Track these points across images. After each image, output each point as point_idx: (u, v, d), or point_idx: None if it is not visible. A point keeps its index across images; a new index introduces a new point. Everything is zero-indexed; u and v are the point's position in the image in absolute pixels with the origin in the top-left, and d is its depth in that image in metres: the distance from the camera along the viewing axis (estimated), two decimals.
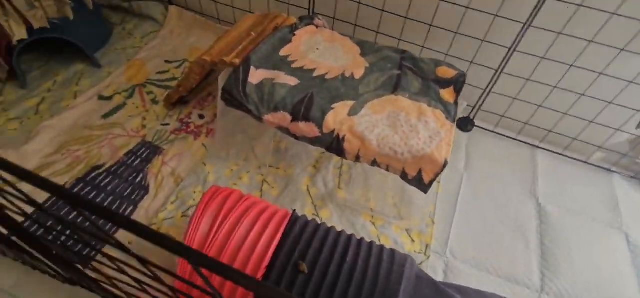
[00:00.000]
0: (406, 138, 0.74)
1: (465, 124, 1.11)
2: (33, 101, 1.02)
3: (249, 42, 0.88)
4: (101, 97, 1.04)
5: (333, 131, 0.76)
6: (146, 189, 0.83)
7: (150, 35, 1.28)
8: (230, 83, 0.79)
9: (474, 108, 1.10)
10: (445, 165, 0.73)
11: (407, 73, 0.89)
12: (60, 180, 0.83)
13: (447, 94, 0.86)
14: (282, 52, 0.90)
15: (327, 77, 0.86)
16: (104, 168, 0.87)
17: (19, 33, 0.94)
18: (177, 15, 1.31)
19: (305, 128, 0.77)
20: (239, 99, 0.79)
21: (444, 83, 0.88)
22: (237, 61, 0.82)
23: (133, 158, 0.89)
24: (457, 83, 0.87)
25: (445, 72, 0.90)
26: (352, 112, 0.79)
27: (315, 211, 0.84)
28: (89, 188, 0.82)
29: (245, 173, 0.89)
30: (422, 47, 1.05)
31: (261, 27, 0.94)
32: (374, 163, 0.77)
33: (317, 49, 0.93)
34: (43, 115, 0.98)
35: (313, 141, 0.79)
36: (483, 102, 1.07)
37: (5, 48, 0.98)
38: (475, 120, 1.10)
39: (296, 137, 0.81)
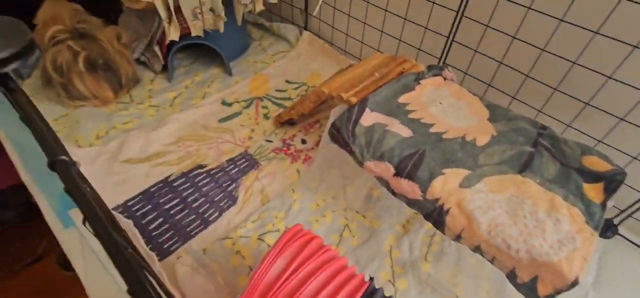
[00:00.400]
0: (527, 233, 0.60)
1: (604, 228, 0.86)
2: (172, 94, 1.15)
3: (370, 82, 0.84)
4: (224, 102, 1.13)
5: (437, 200, 0.66)
6: (234, 200, 0.85)
7: (280, 54, 1.36)
8: (342, 120, 0.76)
9: (622, 211, 0.85)
10: (574, 284, 0.57)
11: (543, 153, 0.74)
12: (169, 170, 0.90)
13: (592, 191, 0.68)
14: (402, 99, 0.84)
15: (444, 136, 0.76)
16: (205, 169, 0.91)
17: (173, 35, 1.08)
18: (308, 40, 1.36)
19: (407, 187, 0.69)
20: (345, 137, 0.75)
21: (591, 176, 0.70)
22: (354, 100, 0.78)
23: (232, 166, 0.92)
24: (611, 181, 0.68)
25: (595, 163, 0.71)
26: (465, 183, 0.67)
27: (392, 278, 0.74)
28: (188, 183, 0.87)
29: (330, 212, 0.84)
30: (568, 126, 0.86)
31: (386, 68, 0.90)
32: (477, 249, 0.64)
33: (440, 103, 0.84)
34: (175, 108, 1.10)
35: (411, 203, 0.70)
36: (638, 209, 0.83)
37: (166, 46, 1.14)
38: (619, 227, 0.86)
39: (394, 193, 0.73)
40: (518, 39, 0.85)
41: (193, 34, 1.04)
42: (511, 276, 0.63)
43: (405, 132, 0.76)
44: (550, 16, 0.78)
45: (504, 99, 0.95)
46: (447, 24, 0.95)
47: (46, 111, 1.04)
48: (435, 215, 0.67)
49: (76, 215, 0.81)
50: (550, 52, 0.82)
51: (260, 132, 1.04)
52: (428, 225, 0.84)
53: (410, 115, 0.81)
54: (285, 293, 0.53)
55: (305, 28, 1.37)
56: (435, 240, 0.81)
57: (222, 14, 1.03)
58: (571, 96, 0.83)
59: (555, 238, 0.59)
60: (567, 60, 0.80)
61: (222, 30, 1.08)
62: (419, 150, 0.72)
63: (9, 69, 0.62)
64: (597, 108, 0.80)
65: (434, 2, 0.96)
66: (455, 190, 0.66)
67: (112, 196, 0.84)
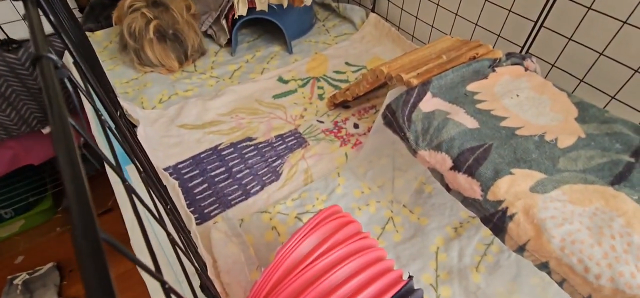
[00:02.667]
0: (614, 257, 0.49)
1: None
2: (232, 67, 1.17)
3: (436, 65, 0.76)
4: (280, 79, 1.12)
5: (500, 202, 0.57)
6: (278, 176, 0.83)
7: (343, 36, 1.31)
8: (398, 103, 0.70)
9: None
10: None
11: None
12: (219, 139, 0.91)
13: None
14: (471, 87, 0.74)
15: (518, 132, 0.66)
16: (254, 142, 0.91)
17: (242, 10, 1.09)
18: (374, 23, 1.29)
19: (465, 183, 0.60)
20: (400, 122, 0.68)
21: None
22: (415, 82, 0.71)
23: (280, 142, 0.91)
24: None
25: None
26: (539, 188, 0.57)
27: (436, 283, 0.66)
28: (236, 154, 0.87)
29: (375, 202, 0.78)
30: None
31: (456, 52, 0.80)
32: (543, 267, 0.54)
33: (517, 95, 0.73)
34: (234, 80, 1.11)
35: (468, 203, 0.62)
36: None
37: (231, 20, 1.16)
38: None
39: (448, 189, 0.65)
40: (630, 24, 0.70)
41: (258, 8, 1.04)
42: None
43: (471, 123, 0.67)
44: None
45: (601, 98, 0.80)
46: (538, 6, 0.82)
47: (120, 73, 1.12)
48: (496, 219, 0.57)
49: (133, 171, 0.85)
50: None
51: (313, 111, 1.01)
52: (485, 232, 0.74)
53: (479, 106, 0.71)
54: (311, 274, 0.49)
55: (373, 10, 1.31)
56: (491, 249, 0.71)
57: None
58: None
59: None
60: None
61: (285, 5, 1.06)
62: (484, 144, 0.63)
63: None
64: None
65: None
66: (524, 194, 0.56)
67: (165, 157, 0.87)
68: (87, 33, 1.25)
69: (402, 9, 1.20)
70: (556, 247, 0.51)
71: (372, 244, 0.54)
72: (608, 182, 0.58)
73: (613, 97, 0.77)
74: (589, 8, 0.75)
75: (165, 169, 0.85)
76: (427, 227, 0.73)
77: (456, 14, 1.02)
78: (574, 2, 0.77)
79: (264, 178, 0.82)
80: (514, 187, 0.57)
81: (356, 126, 0.96)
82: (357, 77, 1.12)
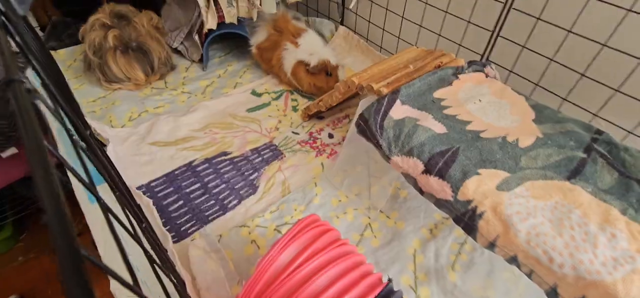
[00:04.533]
0: (574, 247, 0.52)
1: None
2: (205, 82, 1.16)
3: (403, 74, 0.79)
4: (253, 92, 1.12)
5: (470, 201, 0.59)
6: (255, 189, 0.82)
7: None
8: (370, 112, 0.71)
9: None
10: None
11: (598, 160, 0.65)
12: (193, 155, 0.89)
13: None
14: (437, 94, 0.77)
15: (482, 134, 0.69)
16: (229, 156, 0.90)
17: (211, 23, 1.08)
18: (343, 35, 1.32)
19: (436, 186, 0.63)
20: (373, 129, 0.70)
21: None
22: (385, 90, 0.73)
23: (256, 155, 0.90)
24: None
25: None
26: (504, 186, 0.60)
27: (415, 284, 0.67)
28: (211, 169, 0.86)
29: (352, 209, 0.79)
30: (630, 132, 0.76)
31: (422, 62, 0.84)
32: (513, 260, 0.57)
33: (479, 100, 0.77)
34: (206, 95, 1.10)
35: (440, 204, 0.64)
36: None
37: (205, 35, 1.15)
38: None
39: (421, 192, 0.67)
40: (574, 33, 0.76)
41: (226, 21, 1.04)
42: (551, 294, 0.54)
43: (439, 128, 0.70)
44: (616, 5, 0.69)
45: (554, 101, 0.85)
46: (493, 17, 0.88)
47: (86, 92, 1.08)
48: (467, 218, 0.60)
49: (104, 191, 0.82)
50: (612, 48, 0.72)
51: (288, 123, 1.01)
52: (458, 232, 0.76)
53: (446, 111, 0.75)
54: (292, 283, 0.49)
55: (342, 23, 1.34)
56: (465, 248, 0.74)
57: (257, 2, 1.01)
58: (636, 98, 0.72)
59: (609, 255, 0.50)
60: (633, 57, 0.70)
61: (255, 18, 1.07)
62: (452, 147, 0.66)
63: None
64: None
65: None
66: (491, 192, 0.59)
67: (137, 176, 0.84)
68: (51, 52, 1.20)
69: (369, 21, 1.23)
70: (523, 241, 0.54)
71: (351, 250, 0.55)
72: (565, 177, 0.62)
73: (564, 99, 0.83)
74: (538, 19, 0.81)
75: (138, 188, 0.82)
76: (404, 231, 0.75)
77: (420, 26, 1.06)
78: (525, 13, 0.82)
79: (241, 192, 0.81)
80: (481, 187, 0.60)
81: (331, 136, 0.98)
82: (330, 88, 1.14)
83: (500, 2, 0.84)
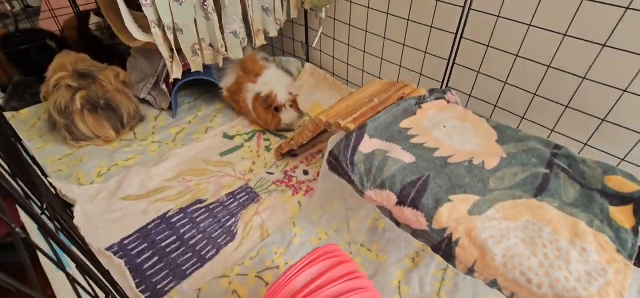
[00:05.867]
0: (549, 265, 0.51)
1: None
2: (174, 129, 1.12)
3: (369, 108, 0.79)
4: (225, 135, 1.09)
5: (444, 229, 0.58)
6: (233, 236, 0.78)
7: None
8: (339, 148, 0.70)
9: None
10: None
11: (560, 174, 0.66)
12: (167, 206, 0.85)
13: (620, 215, 0.59)
14: (403, 124, 0.78)
15: (449, 160, 0.69)
16: (204, 203, 0.86)
17: (176, 73, 1.05)
18: (310, 71, 1.33)
19: (411, 216, 0.61)
20: (344, 166, 0.69)
21: (617, 198, 0.61)
22: (352, 126, 0.73)
23: (231, 200, 0.87)
24: None
25: (620, 184, 0.63)
26: (475, 210, 0.60)
27: None
28: (186, 219, 0.82)
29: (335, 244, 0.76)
30: (585, 144, 0.78)
31: (386, 94, 0.84)
32: (493, 284, 0.56)
33: (444, 126, 0.78)
34: (177, 143, 1.06)
35: (417, 234, 0.63)
36: None
37: (172, 84, 1.12)
38: None
39: (397, 224, 0.65)
40: (521, 57, 0.79)
41: (192, 69, 1.02)
42: None
43: (408, 157, 0.70)
44: (553, 31, 0.73)
45: (513, 120, 0.88)
46: (447, 47, 0.90)
47: (52, 151, 1.01)
48: (444, 246, 0.59)
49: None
50: (556, 68, 0.75)
51: (262, 164, 0.99)
52: (439, 258, 0.75)
53: (413, 140, 0.75)
54: None
55: (307, 60, 1.35)
56: (448, 274, 0.72)
57: (222, 49, 1.00)
58: (585, 113, 0.75)
59: (583, 269, 0.50)
60: (575, 75, 0.74)
61: (221, 64, 1.05)
62: (422, 176, 0.65)
63: None
64: (615, 124, 0.72)
65: (431, 26, 0.91)
66: (464, 218, 0.58)
67: (108, 234, 0.79)
68: (12, 112, 1.13)
69: (333, 57, 1.25)
70: (500, 264, 0.53)
71: (367, 285, 0.53)
72: (532, 194, 0.62)
73: (523, 117, 0.86)
74: (487, 45, 0.84)
75: (109, 248, 0.76)
76: (386, 263, 0.73)
77: (381, 59, 1.08)
78: (475, 41, 0.85)
79: (218, 241, 0.77)
80: (454, 213, 0.59)
81: (306, 172, 0.96)
82: (300, 124, 1.13)
83: (451, 32, 0.87)
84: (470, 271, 0.57)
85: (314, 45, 1.18)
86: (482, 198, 0.62)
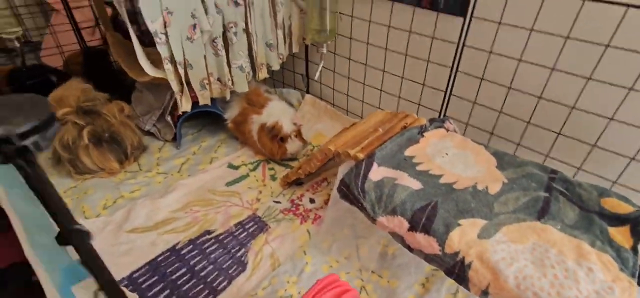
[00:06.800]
0: (559, 285, 0.53)
1: None
2: (180, 160, 1.12)
3: (375, 138, 0.82)
4: (230, 166, 1.09)
5: (457, 253, 0.60)
6: (244, 266, 0.78)
7: None
8: (350, 177, 0.72)
9: None
10: None
11: (559, 198, 0.69)
12: (176, 238, 0.84)
13: (619, 235, 0.62)
14: (408, 152, 0.80)
15: (455, 186, 0.72)
16: (213, 234, 0.86)
17: (186, 106, 1.06)
18: (310, 102, 1.36)
19: (423, 241, 0.63)
20: (355, 193, 0.70)
21: (615, 219, 0.64)
22: (361, 155, 0.75)
23: (240, 230, 0.87)
24: (638, 223, 0.62)
25: (616, 206, 0.66)
26: (484, 234, 0.61)
27: None
28: (197, 251, 0.81)
29: (344, 273, 0.77)
30: (579, 169, 0.82)
31: (389, 124, 0.87)
32: None
33: (446, 154, 0.81)
34: (183, 174, 1.06)
35: (429, 259, 0.64)
36: None
37: (177, 116, 1.13)
38: None
39: (410, 249, 0.67)
40: (514, 89, 0.84)
41: (201, 102, 1.04)
42: None
43: (415, 184, 0.72)
44: (542, 66, 0.78)
45: (509, 147, 0.91)
46: (444, 79, 0.95)
47: (56, 184, 0.99)
48: (457, 270, 0.60)
49: (80, 290, 0.74)
50: (547, 99, 0.80)
51: (268, 193, 0.99)
52: (449, 282, 0.76)
53: (418, 168, 0.77)
54: None
55: (308, 92, 1.38)
56: (458, 297, 0.73)
57: (229, 83, 1.03)
58: (576, 139, 0.80)
59: (591, 288, 0.52)
60: (565, 105, 0.78)
61: (228, 97, 1.07)
62: (431, 202, 0.67)
63: (29, 142, 0.60)
64: (605, 149, 0.77)
65: (428, 61, 0.96)
66: (474, 242, 0.60)
67: (117, 268, 0.77)
68: None
69: (333, 89, 1.28)
70: (513, 286, 0.54)
71: None
72: (535, 217, 0.65)
73: (518, 144, 0.89)
74: (482, 78, 0.88)
75: (119, 282, 0.75)
76: (398, 289, 0.73)
77: (381, 90, 1.12)
78: (470, 74, 0.90)
79: (230, 272, 0.77)
80: (464, 237, 0.61)
81: (312, 201, 0.97)
82: (304, 154, 1.14)
83: (447, 66, 0.92)
84: (484, 294, 0.58)
85: (316, 78, 1.22)
86: (489, 223, 0.64)
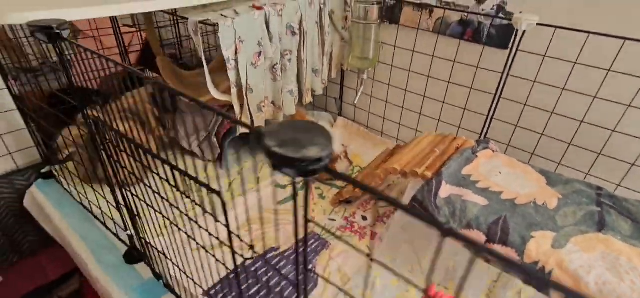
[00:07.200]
0: (638, 289, 0.59)
1: None
2: (227, 180, 1.14)
3: (436, 157, 0.87)
4: (278, 185, 1.12)
5: (537, 262, 0.65)
6: (315, 281, 0.80)
7: None
8: (422, 193, 0.77)
9: None
10: None
11: (610, 212, 0.76)
12: (244, 255, 0.86)
13: None
14: (465, 171, 0.86)
15: (516, 202, 0.78)
16: (278, 251, 0.88)
17: (244, 128, 1.09)
18: (342, 125, 1.42)
19: (503, 253, 0.68)
20: (430, 209, 0.75)
21: None
22: (429, 174, 0.80)
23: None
24: None
25: None
26: (556, 244, 0.67)
27: None
28: (266, 268, 0.83)
29: (412, 287, 0.80)
30: (618, 185, 0.90)
31: (443, 145, 0.93)
32: None
33: (500, 172, 0.87)
34: (233, 193, 1.08)
35: (508, 268, 0.69)
36: None
37: (222, 136, 1.16)
38: None
39: (487, 261, 0.71)
40: (557, 114, 0.92)
41: (256, 124, 1.07)
42: None
43: (481, 201, 0.77)
44: (584, 94, 0.86)
45: (549, 165, 0.99)
46: (486, 104, 1.03)
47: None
48: (537, 278, 0.65)
49: None
50: (589, 123, 0.89)
51: (320, 211, 1.03)
52: (512, 292, 0.81)
53: (478, 185, 0.83)
54: None
55: (340, 114, 1.44)
56: None
57: (282, 105, 1.07)
58: (616, 159, 0.88)
59: None
60: (606, 129, 0.87)
61: (281, 119, 1.11)
62: (500, 216, 0.73)
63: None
64: None
65: (471, 88, 1.04)
66: (551, 252, 0.66)
67: (190, 284, 0.78)
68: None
69: (369, 112, 1.34)
70: (595, 292, 0.60)
71: None
72: (596, 229, 0.71)
73: (559, 163, 0.97)
74: (525, 104, 0.97)
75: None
76: None
77: (420, 114, 1.19)
78: (512, 100, 0.98)
79: (304, 286, 0.79)
80: (541, 248, 0.67)
81: (365, 218, 1.00)
82: (356, 175, 1.19)
83: (490, 93, 1.00)
84: None
85: (355, 102, 1.27)
86: (558, 234, 0.70)
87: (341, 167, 1.10)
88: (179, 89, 1.06)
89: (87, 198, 0.95)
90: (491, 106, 1.00)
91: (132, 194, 0.70)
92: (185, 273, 0.74)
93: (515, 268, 0.67)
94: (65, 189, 1.06)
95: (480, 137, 1.09)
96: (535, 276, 0.65)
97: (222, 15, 0.88)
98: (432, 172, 0.82)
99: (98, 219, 0.98)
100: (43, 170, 1.12)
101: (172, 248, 0.88)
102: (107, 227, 0.95)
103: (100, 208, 0.92)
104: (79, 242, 0.92)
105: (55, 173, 1.09)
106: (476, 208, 0.74)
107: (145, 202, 0.68)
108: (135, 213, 0.75)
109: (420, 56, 1.11)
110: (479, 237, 0.71)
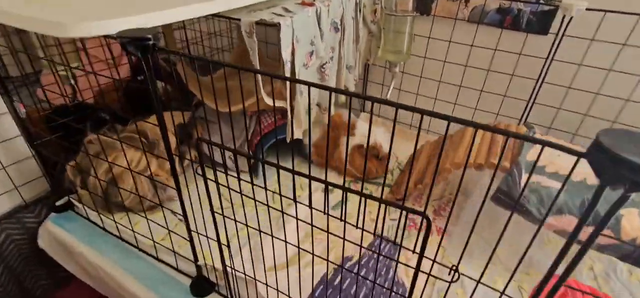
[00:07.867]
0: None
1: None
2: (269, 192, 1.06)
3: (497, 148, 0.87)
4: (323, 190, 1.07)
5: (634, 238, 0.67)
6: (403, 287, 0.78)
7: None
8: (508, 184, 0.76)
9: None
10: None
11: None
12: (320, 269, 0.81)
13: None
14: (529, 157, 0.87)
15: (588, 182, 0.80)
16: (354, 260, 0.84)
17: (297, 133, 0.99)
18: (365, 119, 1.38)
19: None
20: (519, 200, 0.75)
21: None
22: (507, 165, 0.80)
23: (376, 251, 0.86)
24: None
25: None
26: None
27: None
28: (349, 279, 0.79)
29: (498, 277, 0.80)
30: None
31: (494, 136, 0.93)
32: None
33: (559, 154, 0.89)
34: (276, 203, 1.02)
35: (603, 248, 0.70)
36: None
37: (255, 145, 1.08)
38: None
39: (579, 242, 0.72)
40: (602, 94, 0.96)
41: (303, 127, 1.01)
42: None
43: (556, 185, 0.79)
44: (631, 74, 0.91)
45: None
46: (523, 90, 1.04)
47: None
48: (636, 254, 0.67)
49: None
50: (635, 101, 0.93)
51: (376, 212, 0.99)
52: (587, 266, 0.83)
53: (547, 169, 0.84)
54: None
55: (363, 110, 1.41)
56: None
57: (327, 105, 1.02)
58: None
59: None
60: None
61: (326, 121, 1.06)
62: (583, 198, 0.74)
63: None
64: None
65: (513, 75, 1.06)
66: None
67: None
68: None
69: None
70: None
71: None
72: None
73: None
74: (569, 87, 1.00)
75: None
76: None
77: (455, 104, 1.19)
78: (556, 85, 1.01)
79: (394, 292, 0.76)
80: (632, 223, 0.69)
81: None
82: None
83: (533, 79, 1.02)
84: None
85: (388, 96, 1.25)
86: (638, 209, 0.72)
87: (390, 164, 1.07)
88: (213, 98, 0.97)
89: (131, 229, 0.83)
90: (533, 91, 1.02)
91: (235, 220, 0.64)
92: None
93: (603, 248, 0.69)
94: (92, 221, 0.93)
95: (519, 122, 1.11)
96: (622, 253, 0.67)
97: (274, 14, 0.81)
98: (509, 162, 0.82)
99: (144, 251, 0.87)
100: (58, 203, 0.97)
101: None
102: (158, 259, 0.85)
103: (152, 240, 0.81)
104: (130, 279, 0.81)
105: (75, 204, 0.95)
106: (562, 193, 0.75)
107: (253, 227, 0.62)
108: (225, 243, 0.68)
109: (454, 46, 1.10)
110: (571, 221, 0.71)
